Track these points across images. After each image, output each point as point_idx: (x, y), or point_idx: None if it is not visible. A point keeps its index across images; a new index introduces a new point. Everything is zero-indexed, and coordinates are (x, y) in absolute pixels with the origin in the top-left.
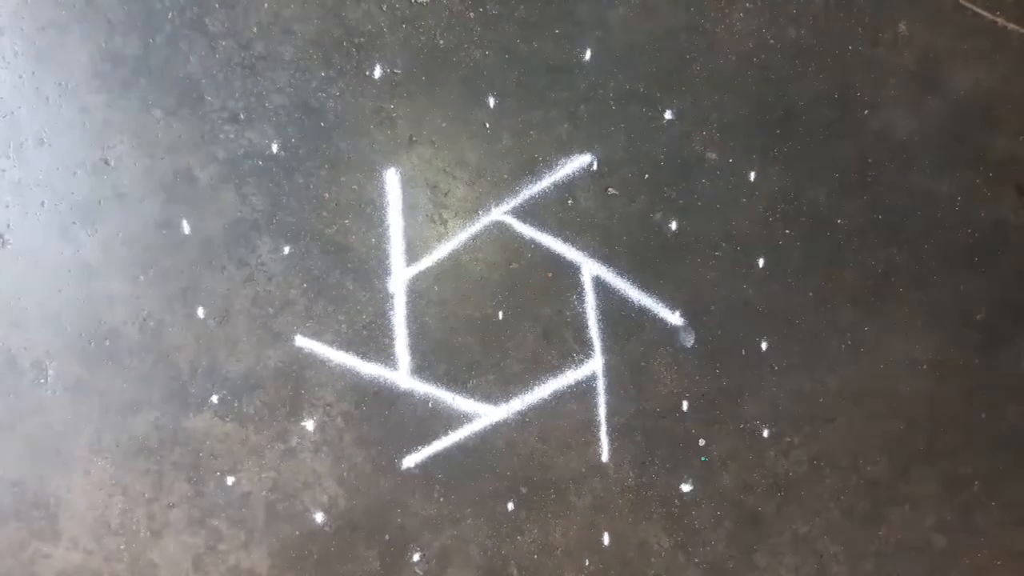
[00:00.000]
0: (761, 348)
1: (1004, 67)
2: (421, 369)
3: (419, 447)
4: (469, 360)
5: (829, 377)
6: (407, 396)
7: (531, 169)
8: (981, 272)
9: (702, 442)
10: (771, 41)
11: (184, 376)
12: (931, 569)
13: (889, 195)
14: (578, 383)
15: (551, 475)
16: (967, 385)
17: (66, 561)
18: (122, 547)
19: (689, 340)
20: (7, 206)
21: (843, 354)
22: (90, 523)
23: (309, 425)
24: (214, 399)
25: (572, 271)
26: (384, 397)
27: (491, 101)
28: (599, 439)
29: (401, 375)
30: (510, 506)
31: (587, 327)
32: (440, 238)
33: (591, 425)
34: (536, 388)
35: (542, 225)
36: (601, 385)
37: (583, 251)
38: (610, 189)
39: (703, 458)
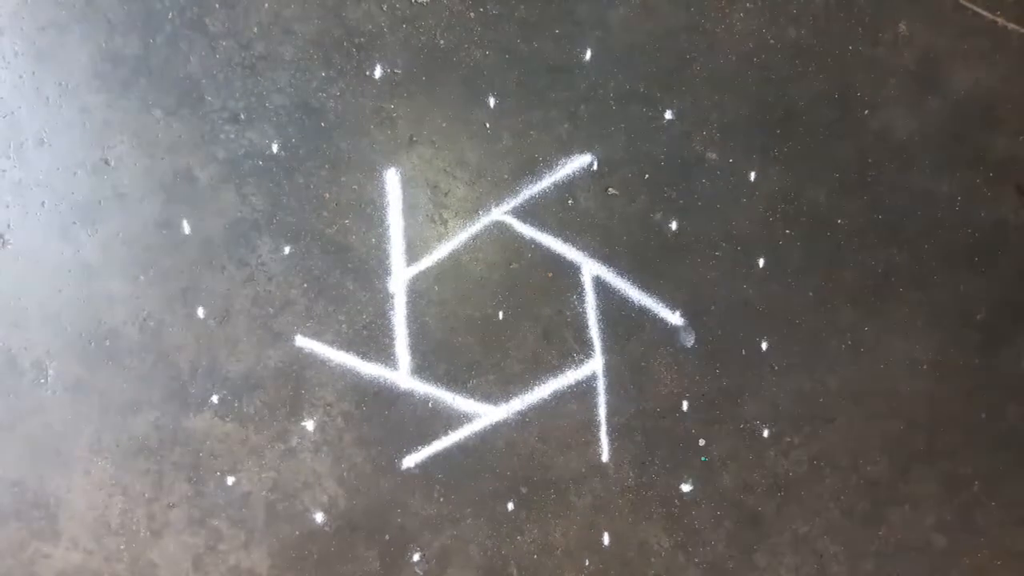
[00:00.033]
0: (761, 348)
1: (1004, 67)
2: (421, 369)
3: (419, 447)
4: (469, 360)
5: (829, 377)
6: (407, 396)
7: (531, 169)
8: (981, 272)
9: (702, 442)
10: (771, 41)
11: (184, 376)
12: (931, 569)
13: (889, 195)
14: (578, 383)
15: (551, 475)
16: (967, 385)
17: (66, 561)
18: (122, 547)
19: (689, 340)
20: (7, 206)
21: (843, 354)
22: (90, 523)
23: (309, 425)
24: (214, 399)
25: (572, 271)
26: (384, 397)
27: (491, 101)
28: (599, 439)
29: (401, 375)
30: (510, 506)
31: (587, 327)
32: (440, 238)
33: (591, 425)
34: (536, 388)
35: (542, 225)
36: (601, 385)
37: (583, 251)
38: (610, 189)
39: (703, 458)
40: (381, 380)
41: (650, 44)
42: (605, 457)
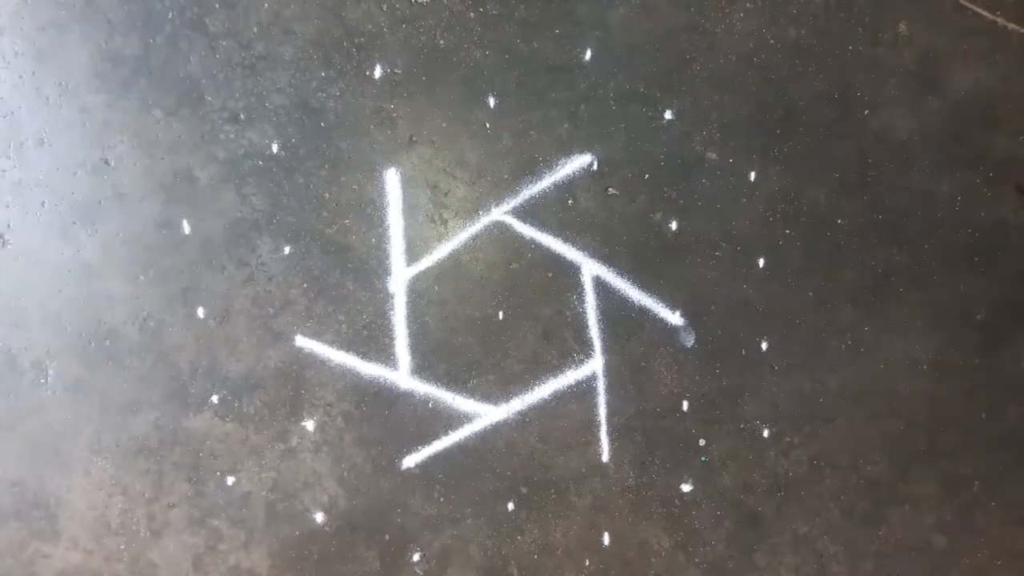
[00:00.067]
0: (761, 348)
1: (1004, 67)
2: (421, 369)
3: (419, 447)
4: (469, 360)
5: (829, 377)
6: (407, 396)
7: (531, 169)
8: (981, 272)
9: (702, 442)
10: (771, 41)
11: (184, 376)
12: (931, 569)
13: (889, 195)
14: (578, 383)
15: (551, 475)
16: (967, 385)
17: (66, 561)
18: (122, 547)
19: (689, 340)
20: (7, 206)
21: (843, 354)
22: (90, 523)
23: (309, 425)
24: (214, 399)
25: (572, 271)
26: (384, 397)
27: (491, 101)
28: (599, 439)
29: (401, 375)
30: (510, 506)
31: (587, 327)
32: (440, 238)
33: (591, 425)
34: (536, 388)
35: (542, 225)
36: (601, 385)
37: (583, 251)
38: (610, 189)
39: (703, 458)
40: (381, 380)
41: (650, 44)
42: (605, 457)
